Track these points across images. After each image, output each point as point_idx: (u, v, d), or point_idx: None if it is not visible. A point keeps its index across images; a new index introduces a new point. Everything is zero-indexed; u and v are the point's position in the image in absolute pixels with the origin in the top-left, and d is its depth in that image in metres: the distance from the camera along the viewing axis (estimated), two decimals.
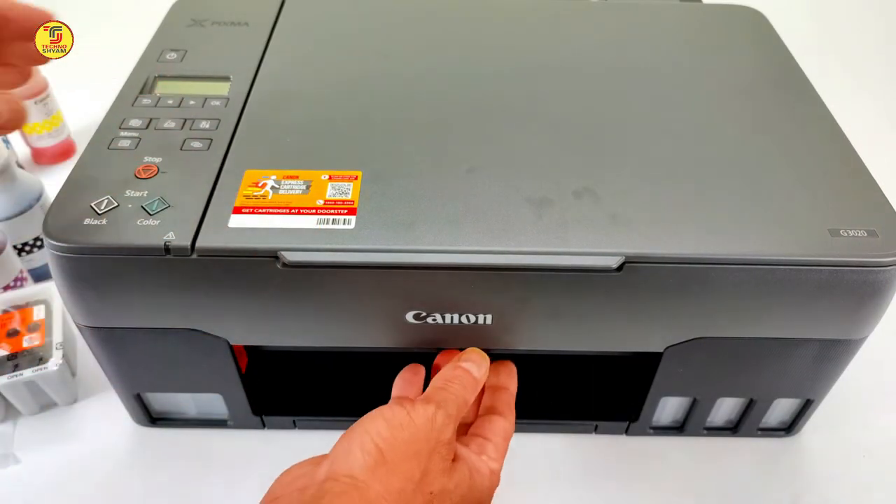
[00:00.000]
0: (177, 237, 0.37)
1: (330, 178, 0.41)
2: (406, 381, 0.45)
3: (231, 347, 0.45)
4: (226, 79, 0.48)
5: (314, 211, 0.39)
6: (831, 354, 0.45)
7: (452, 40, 0.53)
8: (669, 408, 0.51)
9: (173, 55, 0.50)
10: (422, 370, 0.46)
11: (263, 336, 0.44)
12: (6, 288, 0.56)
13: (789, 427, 0.52)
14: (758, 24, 0.57)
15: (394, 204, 0.40)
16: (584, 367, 0.53)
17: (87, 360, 0.54)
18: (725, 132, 0.46)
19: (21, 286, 0.58)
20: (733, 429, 0.52)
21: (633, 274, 0.38)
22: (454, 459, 0.38)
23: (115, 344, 0.45)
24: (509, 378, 0.46)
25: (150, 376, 0.48)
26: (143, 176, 0.40)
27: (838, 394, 0.50)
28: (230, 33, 0.52)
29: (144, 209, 0.38)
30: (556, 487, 0.50)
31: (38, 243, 0.61)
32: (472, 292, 0.40)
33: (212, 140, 0.43)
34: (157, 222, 0.38)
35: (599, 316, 0.41)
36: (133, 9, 0.97)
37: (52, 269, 0.39)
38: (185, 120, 0.44)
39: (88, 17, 0.91)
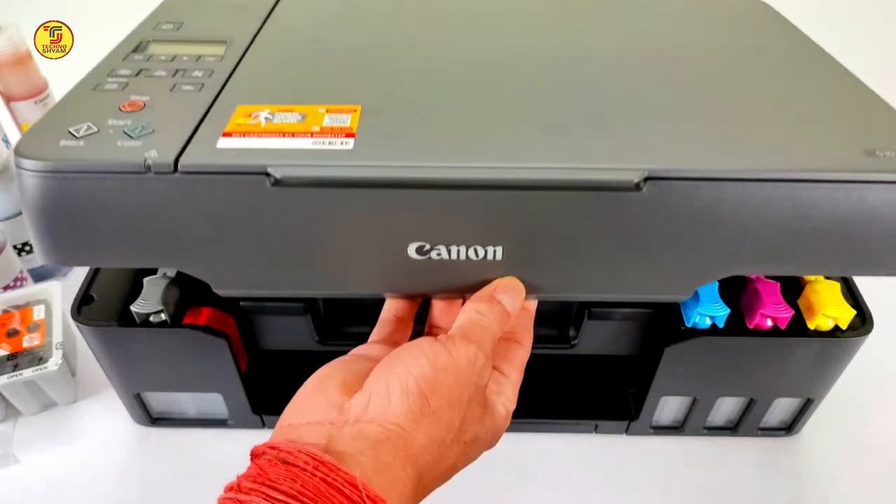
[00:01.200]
0: (159, 155, 0.34)
1: (327, 110, 0.38)
2: (442, 310, 0.40)
3: (231, 346, 0.45)
4: (222, 42, 0.45)
5: (309, 134, 0.36)
6: (831, 353, 0.45)
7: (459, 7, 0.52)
8: (669, 407, 0.51)
9: (169, 26, 0.48)
10: (459, 302, 0.40)
11: (250, 279, 0.38)
12: (6, 288, 0.56)
13: (790, 427, 0.52)
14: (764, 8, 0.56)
15: (396, 129, 0.37)
16: (584, 366, 0.53)
17: (87, 360, 0.54)
18: (744, 70, 0.43)
19: (21, 286, 0.58)
20: (733, 428, 0.52)
21: (656, 192, 0.34)
22: (484, 405, 0.35)
23: (115, 344, 0.45)
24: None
25: (150, 376, 0.48)
26: (128, 109, 0.37)
27: (839, 393, 0.50)
28: (229, 10, 0.51)
29: (126, 133, 0.35)
30: (556, 487, 0.50)
31: None
32: (480, 217, 0.35)
33: (203, 84, 0.40)
34: (138, 143, 0.35)
35: (620, 248, 0.36)
36: (134, 10, 0.97)
37: (22, 197, 0.35)
38: (178, 70, 0.42)
39: (88, 18, 0.91)
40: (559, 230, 0.36)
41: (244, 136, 0.35)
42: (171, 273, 0.46)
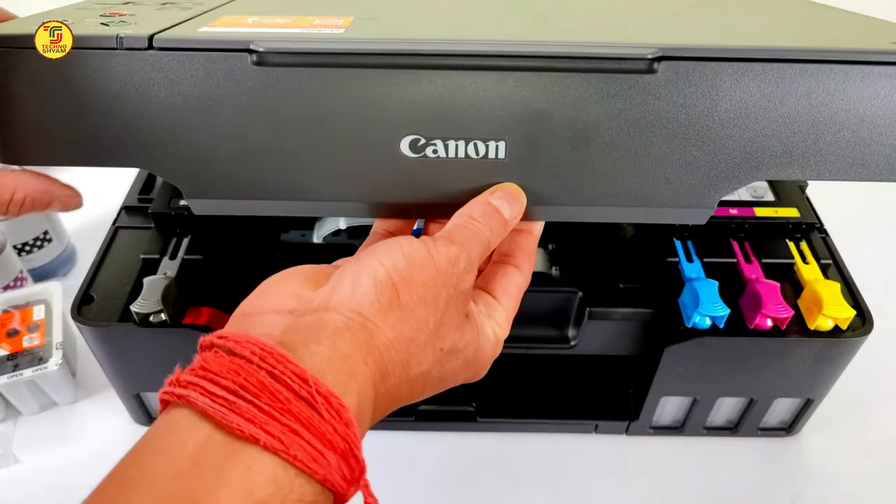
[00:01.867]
0: (133, 32, 0.31)
1: (318, 20, 0.35)
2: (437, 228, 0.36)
3: None
4: None
5: (298, 28, 0.33)
6: (831, 354, 0.45)
7: None
8: (669, 407, 0.51)
9: None
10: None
11: (226, 184, 0.34)
12: (6, 288, 0.56)
13: (789, 427, 0.52)
14: None
15: (392, 24, 0.34)
16: (585, 366, 0.53)
17: (87, 360, 0.54)
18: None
19: (21, 286, 0.58)
20: (733, 428, 0.52)
21: (672, 75, 0.31)
22: (466, 315, 0.32)
23: (115, 344, 0.45)
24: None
25: (150, 376, 0.48)
26: (108, 14, 0.35)
27: (838, 393, 0.50)
28: None
29: (103, 24, 0.33)
30: (555, 488, 0.50)
31: (38, 243, 0.61)
32: (481, 102, 0.32)
33: (191, 8, 0.38)
34: (113, 28, 0.32)
35: (633, 143, 0.33)
36: None
37: None
38: (167, 2, 0.39)
39: None
40: (567, 120, 0.32)
41: (227, 26, 0.33)
42: (171, 273, 0.46)
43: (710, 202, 0.35)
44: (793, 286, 0.47)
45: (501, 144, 0.33)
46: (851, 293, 0.46)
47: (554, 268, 0.51)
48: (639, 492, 0.50)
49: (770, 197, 0.51)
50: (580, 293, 0.46)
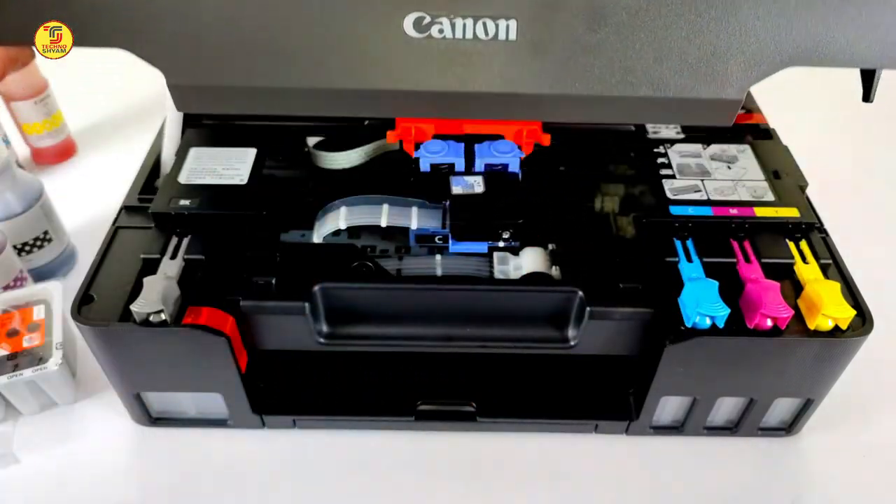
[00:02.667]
0: None
1: None
2: None
3: (231, 346, 0.45)
4: None
5: None
6: (831, 354, 0.45)
7: None
8: (669, 407, 0.51)
9: None
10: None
11: (212, 63, 0.31)
12: (6, 288, 0.56)
13: (790, 427, 0.52)
14: None
15: None
16: (585, 366, 0.53)
17: (88, 360, 0.54)
18: None
19: (21, 286, 0.58)
20: (733, 428, 0.52)
21: None
22: None
23: (115, 344, 0.45)
24: None
25: (149, 376, 0.48)
26: None
27: (839, 393, 0.50)
28: None
29: None
30: (555, 487, 0.50)
31: (38, 243, 0.61)
32: None
33: None
34: None
35: (655, 23, 0.29)
36: None
37: None
38: None
39: None
40: None
41: None
42: (172, 273, 0.46)
43: (737, 92, 0.31)
44: (793, 286, 0.47)
45: (512, 23, 0.30)
46: (851, 293, 0.46)
47: (554, 267, 0.51)
48: (639, 491, 0.50)
49: (770, 197, 0.51)
50: (580, 293, 0.46)
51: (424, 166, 0.54)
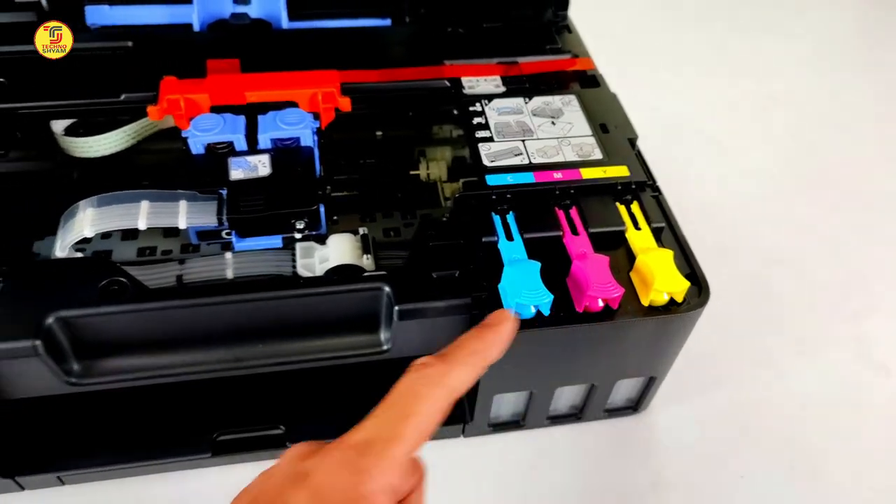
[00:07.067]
0: None
1: None
2: None
3: None
4: None
5: None
6: (669, 330, 0.40)
7: None
8: (507, 402, 0.45)
9: None
10: None
11: None
12: None
13: (636, 404, 0.48)
14: None
15: None
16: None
17: None
18: None
19: None
20: (578, 414, 0.47)
21: None
22: None
23: None
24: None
25: None
26: None
27: (681, 362, 0.46)
28: None
29: None
30: None
31: None
32: None
33: None
34: None
35: None
36: None
37: None
38: None
39: None
40: None
41: None
42: None
43: None
44: (627, 256, 0.41)
45: None
46: (687, 260, 0.41)
47: (366, 256, 0.43)
48: (487, 493, 0.45)
49: (598, 155, 0.45)
50: (387, 288, 0.39)
51: (196, 148, 0.44)
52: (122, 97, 0.47)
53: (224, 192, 0.42)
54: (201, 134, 0.44)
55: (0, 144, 0.44)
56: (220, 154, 0.44)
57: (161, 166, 0.47)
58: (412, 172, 0.52)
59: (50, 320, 0.36)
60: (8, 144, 0.44)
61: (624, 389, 0.46)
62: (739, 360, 0.53)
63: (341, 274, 0.42)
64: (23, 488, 0.42)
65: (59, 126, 0.48)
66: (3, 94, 0.46)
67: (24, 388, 0.38)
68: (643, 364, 0.43)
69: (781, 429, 0.49)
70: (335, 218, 0.49)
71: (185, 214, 0.42)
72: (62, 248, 0.41)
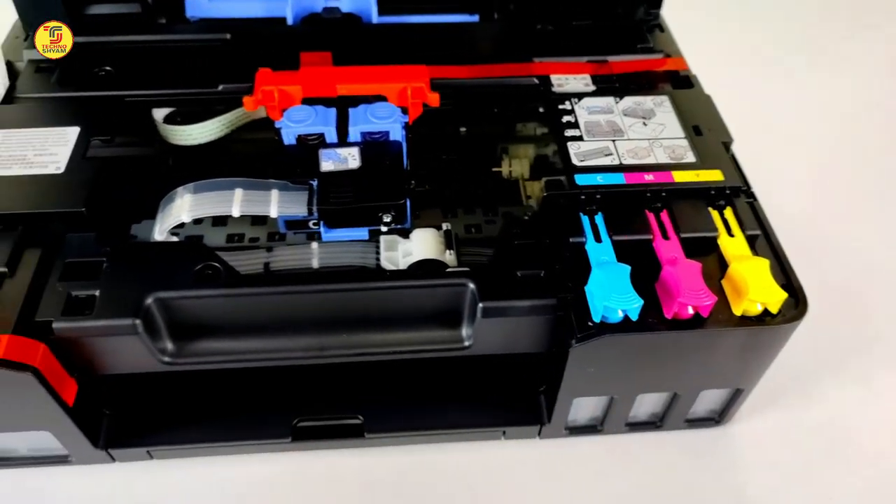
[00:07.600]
0: None
1: None
2: None
3: (44, 379, 0.36)
4: None
5: None
6: (760, 342, 0.39)
7: None
8: (586, 406, 0.44)
9: None
10: None
11: None
12: None
13: (720, 416, 0.46)
14: None
15: None
16: (488, 366, 0.46)
17: None
18: None
19: None
20: (658, 423, 0.46)
21: None
22: None
23: None
24: None
25: None
26: None
27: (772, 373, 0.44)
28: None
29: None
30: (471, 501, 0.44)
31: None
32: None
33: None
34: None
35: None
36: None
37: None
38: None
39: None
40: None
41: None
42: None
43: None
44: (719, 263, 0.40)
45: None
46: (784, 270, 0.39)
47: (449, 252, 0.43)
48: (560, 498, 0.44)
49: (691, 158, 0.44)
50: (472, 285, 0.38)
51: (288, 138, 0.45)
52: (220, 87, 0.48)
53: (314, 182, 0.43)
54: (294, 125, 0.45)
55: (107, 130, 0.46)
56: (311, 145, 0.45)
57: (253, 156, 0.48)
58: (494, 169, 0.52)
59: (149, 301, 0.37)
60: (114, 130, 0.46)
61: (708, 400, 0.45)
62: (831, 376, 0.51)
63: (425, 268, 0.42)
64: (114, 460, 0.44)
65: (159, 114, 0.50)
66: (111, 82, 0.49)
67: (122, 364, 0.40)
68: (731, 375, 0.42)
69: (875, 451, 0.47)
70: (417, 213, 0.50)
71: (276, 203, 0.43)
72: (160, 232, 0.43)
